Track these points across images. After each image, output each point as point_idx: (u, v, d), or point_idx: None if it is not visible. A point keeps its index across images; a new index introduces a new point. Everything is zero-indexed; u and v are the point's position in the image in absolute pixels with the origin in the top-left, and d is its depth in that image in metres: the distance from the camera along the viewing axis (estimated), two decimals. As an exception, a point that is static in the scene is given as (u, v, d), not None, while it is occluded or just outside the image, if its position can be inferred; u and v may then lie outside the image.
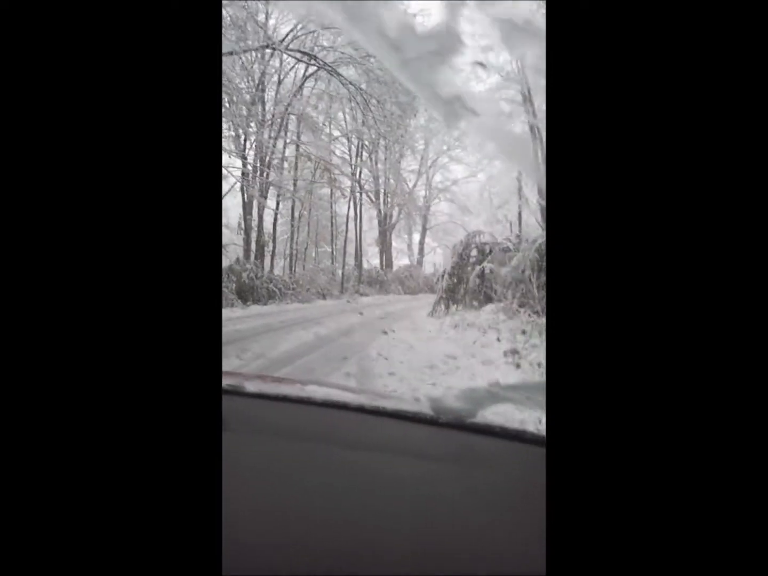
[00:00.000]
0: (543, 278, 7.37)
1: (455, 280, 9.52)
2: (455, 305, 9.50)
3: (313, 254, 18.58)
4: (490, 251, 9.35)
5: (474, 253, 9.67)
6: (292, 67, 12.47)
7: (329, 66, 10.56)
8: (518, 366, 4.34)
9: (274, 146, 12.28)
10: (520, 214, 15.38)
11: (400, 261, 21.92)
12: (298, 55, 10.42)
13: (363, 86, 11.00)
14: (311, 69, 12.08)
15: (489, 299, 8.68)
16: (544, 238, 7.76)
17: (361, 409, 0.94)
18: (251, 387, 1.00)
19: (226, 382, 0.94)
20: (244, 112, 11.39)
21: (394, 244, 21.34)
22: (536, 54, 0.56)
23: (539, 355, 4.54)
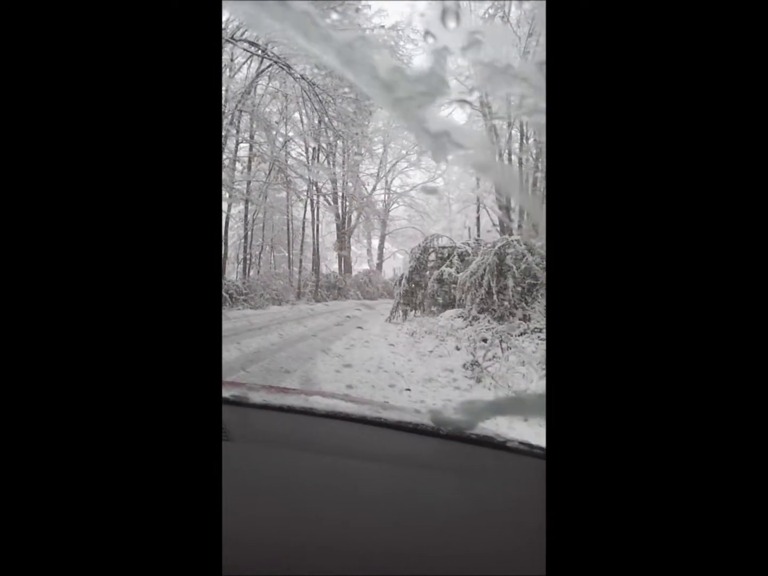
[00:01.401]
0: (502, 283, 7.16)
1: (413, 285, 9.24)
2: (413, 311, 9.22)
3: (271, 259, 18.01)
4: (449, 255, 9.12)
5: (432, 257, 9.42)
6: (245, 61, 11.97)
7: (280, 59, 10.09)
8: (479, 380, 4.00)
9: (224, 145, 11.72)
10: (478, 218, 15.36)
11: (360, 266, 21.58)
12: (246, 45, 9.91)
13: (317, 81, 10.58)
14: (265, 66, 11.61)
15: (448, 305, 8.43)
16: (503, 242, 7.58)
17: (363, 420, 0.97)
18: (256, 398, 1.03)
19: (230, 392, 1.00)
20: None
21: (353, 248, 20.97)
22: (516, 93, 0.59)
23: (501, 367, 4.22)
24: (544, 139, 0.60)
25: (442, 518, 0.63)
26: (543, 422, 0.52)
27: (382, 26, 10.70)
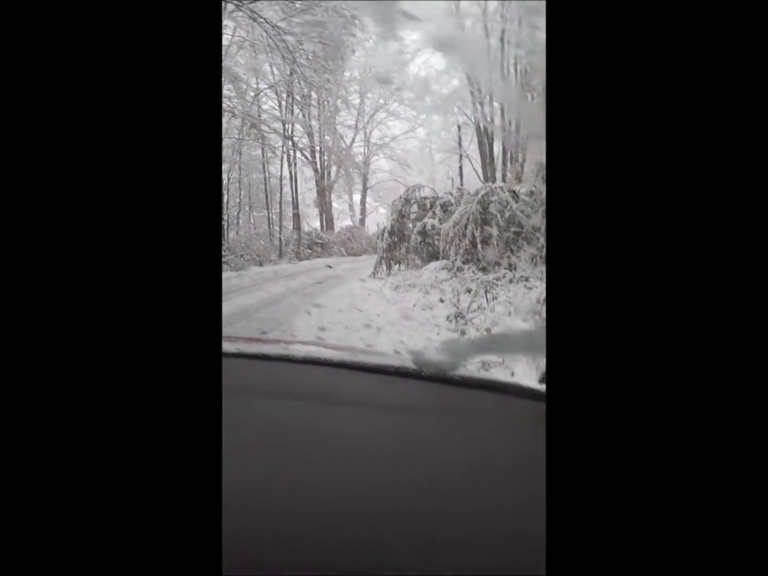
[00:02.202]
0: (486, 232, 6.97)
1: (396, 239, 9.02)
2: (397, 265, 9.04)
3: (250, 219, 17.61)
4: (431, 206, 8.87)
5: (415, 209, 9.17)
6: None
7: (243, 3, 9.47)
8: (463, 333, 3.85)
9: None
10: (461, 168, 15.02)
11: (342, 222, 21.23)
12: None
13: (282, 24, 9.96)
14: (229, 11, 10.94)
15: (432, 257, 8.25)
16: (486, 190, 7.35)
17: (342, 365, 0.96)
18: (231, 348, 1.00)
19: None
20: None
21: (334, 204, 20.58)
22: None
23: (486, 318, 4.06)
24: (517, 5, 0.45)
25: (434, 464, 0.62)
26: (530, 360, 0.49)
27: None
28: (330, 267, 7.37)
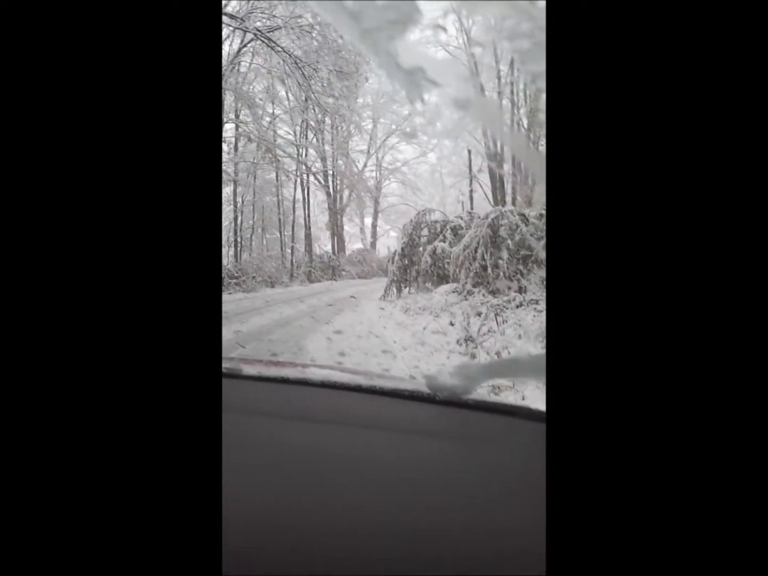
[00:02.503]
0: (497, 255, 7.00)
1: (407, 262, 9.07)
2: (407, 287, 9.08)
3: (263, 241, 17.77)
4: (441, 230, 8.94)
5: (425, 232, 9.24)
6: (226, 37, 11.61)
7: (260, 32, 9.74)
8: (474, 356, 3.85)
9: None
10: (471, 192, 15.11)
11: (353, 245, 21.36)
12: (227, 19, 9.56)
13: (298, 53, 10.21)
14: (247, 40, 11.24)
15: (442, 280, 8.28)
16: (496, 213, 7.40)
17: (358, 389, 0.97)
18: (251, 370, 1.04)
19: (224, 365, 0.97)
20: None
21: (345, 227, 20.74)
22: (496, 14, 0.57)
23: (496, 342, 4.07)
24: (528, 68, 0.56)
25: (445, 486, 0.63)
26: (541, 384, 0.50)
27: None
28: (353, 297, 7.38)
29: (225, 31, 11.24)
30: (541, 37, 0.52)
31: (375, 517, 0.56)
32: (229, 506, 0.52)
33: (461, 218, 9.35)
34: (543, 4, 0.52)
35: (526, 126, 10.96)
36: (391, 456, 0.71)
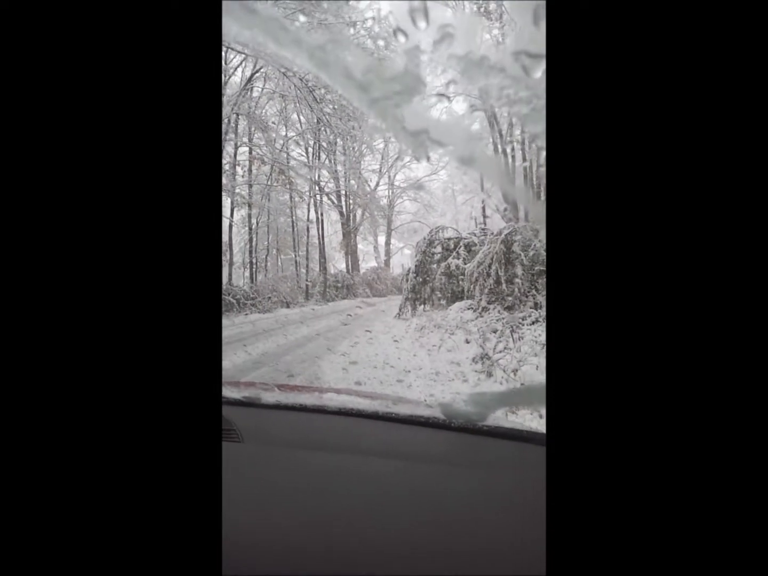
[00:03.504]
0: (511, 271, 6.97)
1: (421, 279, 9.08)
2: (422, 305, 9.06)
3: (278, 262, 17.90)
4: (455, 247, 8.94)
5: (438, 249, 9.25)
6: (239, 64, 11.85)
7: (272, 59, 9.93)
8: (490, 374, 3.82)
9: (223, 149, 11.61)
10: (483, 208, 15.13)
11: (367, 264, 21.43)
12: (239, 48, 9.78)
13: (308, 77, 10.38)
14: (259, 67, 11.48)
15: (457, 297, 8.26)
16: (510, 229, 7.39)
17: (375, 416, 0.98)
18: (269, 398, 1.05)
19: (243, 393, 1.05)
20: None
21: (359, 246, 20.82)
22: (495, 84, 0.59)
23: (513, 359, 4.03)
24: (530, 129, 0.59)
25: (460, 514, 0.63)
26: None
27: (351, 23, 10.46)
28: (369, 331, 7.41)
29: (237, 59, 11.50)
30: (538, 103, 0.54)
31: (381, 542, 0.57)
32: (245, 538, 0.53)
33: (474, 234, 9.35)
34: (539, 75, 0.54)
35: (526, 177, 11.83)
36: (405, 484, 0.71)
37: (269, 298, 12.61)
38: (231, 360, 4.86)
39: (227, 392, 1.06)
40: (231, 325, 8.18)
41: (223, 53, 10.90)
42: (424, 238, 9.50)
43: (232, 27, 0.54)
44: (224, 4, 0.54)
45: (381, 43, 10.84)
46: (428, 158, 0.64)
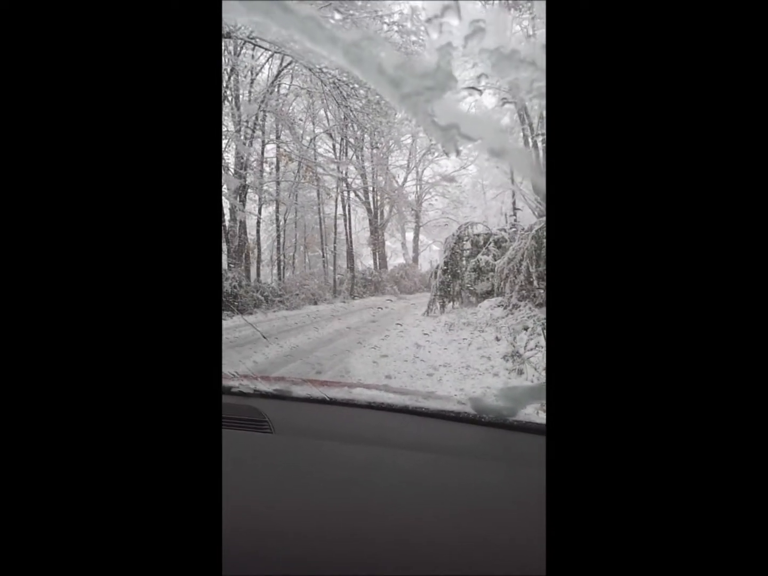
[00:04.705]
0: (542, 268, 6.83)
1: (450, 276, 8.97)
2: (451, 302, 8.97)
3: (306, 259, 18.01)
4: (485, 243, 8.81)
5: (467, 245, 9.13)
6: (266, 61, 11.91)
7: (299, 56, 9.95)
8: (521, 372, 3.73)
9: (250, 146, 11.71)
10: (514, 203, 14.91)
11: (395, 260, 21.35)
12: (267, 45, 9.81)
13: (335, 72, 10.36)
14: (285, 63, 11.52)
15: (487, 294, 8.14)
16: (541, 225, 7.24)
17: (405, 410, 0.98)
18: (300, 391, 1.08)
19: (273, 386, 1.10)
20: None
21: (387, 243, 20.75)
22: (526, 77, 0.60)
23: (544, 357, 3.93)
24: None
25: (488, 507, 0.63)
26: None
27: (385, 22, 10.42)
28: (399, 324, 7.44)
29: (264, 56, 11.56)
30: None
31: (408, 533, 0.57)
32: (275, 527, 0.54)
33: (504, 230, 9.20)
34: None
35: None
36: (433, 476, 0.72)
37: (297, 295, 12.67)
38: (264, 353, 4.93)
39: (259, 385, 1.09)
40: (265, 320, 8.29)
41: (250, 51, 10.96)
42: (453, 234, 9.40)
43: (271, 26, 0.55)
44: (262, 4, 0.54)
45: (413, 38, 10.82)
46: (458, 152, 0.62)
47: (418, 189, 21.17)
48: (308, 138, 14.71)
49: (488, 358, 4.32)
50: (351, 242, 17.36)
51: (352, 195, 17.60)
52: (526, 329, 5.19)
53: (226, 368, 1.26)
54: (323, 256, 17.04)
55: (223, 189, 11.37)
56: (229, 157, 11.70)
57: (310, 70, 10.57)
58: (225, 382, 1.11)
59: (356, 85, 10.41)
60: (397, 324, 7.31)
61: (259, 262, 13.79)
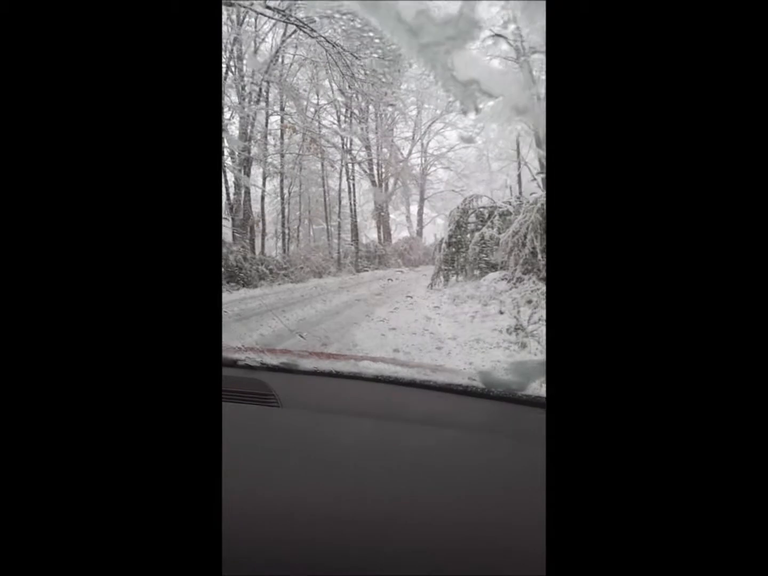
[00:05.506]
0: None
1: (454, 249, 8.96)
2: (455, 276, 8.97)
3: (310, 232, 17.95)
4: (489, 216, 8.76)
5: (472, 218, 9.08)
6: (269, 30, 11.69)
7: (302, 22, 9.76)
8: (524, 346, 3.77)
9: (254, 118, 11.58)
10: (519, 176, 14.75)
11: (400, 233, 21.25)
12: (270, 13, 9.62)
13: (341, 42, 10.16)
14: (289, 33, 11.30)
15: (491, 267, 8.14)
16: (546, 198, 7.19)
17: (412, 384, 0.98)
18: (306, 364, 1.08)
19: (280, 359, 1.09)
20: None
21: (391, 216, 20.64)
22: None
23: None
24: None
25: (496, 483, 0.63)
26: None
27: None
28: (410, 297, 7.46)
29: (267, 24, 11.34)
30: None
31: (414, 509, 0.57)
32: (281, 502, 0.53)
33: (509, 203, 9.14)
34: None
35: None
36: (440, 450, 0.71)
37: (301, 268, 12.69)
38: (270, 326, 4.96)
39: (265, 358, 1.09)
40: (271, 293, 8.32)
41: (252, 20, 10.75)
42: (458, 207, 9.35)
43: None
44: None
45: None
46: (477, 110, 0.62)
47: (423, 161, 20.96)
48: (312, 110, 14.53)
49: (500, 332, 4.35)
50: (355, 215, 17.28)
51: (356, 167, 17.45)
52: (529, 302, 5.21)
53: (233, 341, 1.27)
54: (327, 229, 16.98)
55: (227, 161, 11.29)
56: (233, 129, 11.58)
57: (312, 37, 10.38)
58: (231, 355, 1.11)
59: (371, 34, 10.19)
60: (407, 296, 7.33)
61: (263, 235, 13.78)
